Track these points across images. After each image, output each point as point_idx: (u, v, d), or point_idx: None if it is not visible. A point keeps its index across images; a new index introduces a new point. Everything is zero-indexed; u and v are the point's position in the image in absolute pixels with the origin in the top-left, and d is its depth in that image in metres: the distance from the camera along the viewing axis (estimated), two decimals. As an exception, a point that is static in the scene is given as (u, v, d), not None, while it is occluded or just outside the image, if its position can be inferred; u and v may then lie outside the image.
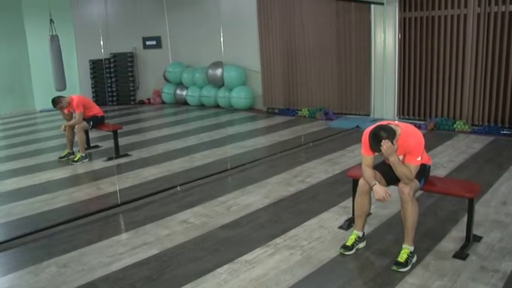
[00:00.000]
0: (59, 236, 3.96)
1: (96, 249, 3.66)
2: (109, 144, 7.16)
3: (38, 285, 3.14)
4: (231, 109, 10.71)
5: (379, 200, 3.17)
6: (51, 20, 6.31)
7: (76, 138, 6.54)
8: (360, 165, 3.46)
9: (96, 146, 7.36)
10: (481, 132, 7.25)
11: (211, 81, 10.99)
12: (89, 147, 7.10)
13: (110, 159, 6.48)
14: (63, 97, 6.50)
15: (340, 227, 3.87)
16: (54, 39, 6.40)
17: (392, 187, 3.31)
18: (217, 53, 10.21)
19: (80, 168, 6.23)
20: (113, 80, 12.33)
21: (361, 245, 3.48)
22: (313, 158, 6.21)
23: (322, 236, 3.73)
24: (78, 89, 11.77)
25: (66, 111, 6.60)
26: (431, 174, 3.55)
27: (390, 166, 3.19)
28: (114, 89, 12.40)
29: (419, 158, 3.15)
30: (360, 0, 7.98)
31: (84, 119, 6.54)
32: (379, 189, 3.17)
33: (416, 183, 3.20)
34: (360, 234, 3.46)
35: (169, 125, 9.37)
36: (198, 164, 6.17)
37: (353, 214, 3.66)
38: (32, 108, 12.14)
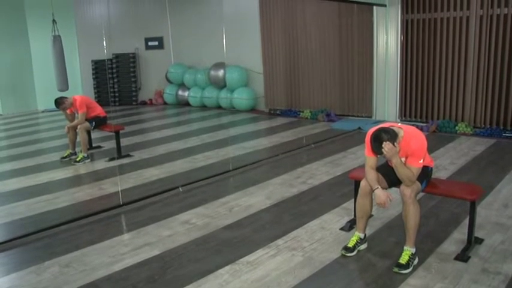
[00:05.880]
0: (61, 236, 3.97)
1: (98, 250, 3.67)
2: (111, 144, 7.17)
3: (40, 285, 3.15)
4: (232, 110, 10.72)
5: (380, 204, 3.18)
6: (53, 21, 6.31)
7: (78, 139, 6.56)
8: (361, 167, 3.47)
9: (98, 147, 7.37)
10: (483, 135, 7.25)
11: (213, 82, 11.00)
12: (91, 147, 7.11)
13: (111, 159, 6.49)
14: (66, 98, 6.52)
15: (342, 229, 3.87)
16: (57, 40, 6.39)
17: (393, 189, 3.31)
18: (219, 54, 10.24)
19: (82, 168, 6.24)
20: (115, 80, 12.35)
21: (363, 246, 3.48)
22: (314, 159, 6.22)
23: (323, 238, 3.73)
24: (81, 89, 11.76)
25: (68, 111, 6.63)
26: (433, 176, 3.55)
27: (392, 168, 3.19)
28: (116, 89, 12.42)
29: (421, 161, 3.15)
30: (363, 2, 7.99)
31: (86, 120, 6.56)
32: (381, 194, 3.17)
33: (418, 185, 3.20)
34: (362, 235, 3.46)
35: (171, 126, 9.37)
36: (200, 165, 6.18)
37: (354, 216, 3.66)
38: (35, 108, 12.14)
